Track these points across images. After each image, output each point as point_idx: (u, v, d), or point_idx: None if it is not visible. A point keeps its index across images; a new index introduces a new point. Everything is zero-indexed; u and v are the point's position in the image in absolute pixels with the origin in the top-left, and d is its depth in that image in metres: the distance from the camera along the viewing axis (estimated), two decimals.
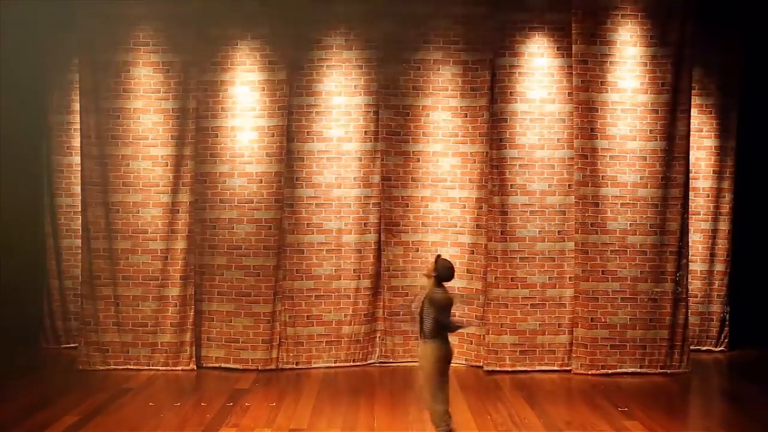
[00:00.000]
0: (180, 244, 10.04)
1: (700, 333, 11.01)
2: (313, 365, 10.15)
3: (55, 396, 8.79)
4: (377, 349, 10.39)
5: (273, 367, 10.08)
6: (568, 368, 10.14)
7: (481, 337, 10.16)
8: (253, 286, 10.13)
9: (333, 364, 10.16)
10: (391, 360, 10.27)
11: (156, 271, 10.04)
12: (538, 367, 10.13)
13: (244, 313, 10.12)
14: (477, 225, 10.23)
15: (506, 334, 10.16)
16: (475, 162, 10.24)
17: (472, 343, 10.25)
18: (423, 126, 10.27)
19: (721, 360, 10.81)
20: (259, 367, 10.05)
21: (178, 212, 10.05)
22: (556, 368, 10.14)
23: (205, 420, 8.04)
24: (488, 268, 10.09)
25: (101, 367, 9.96)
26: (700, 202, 10.93)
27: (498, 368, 10.03)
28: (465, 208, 10.25)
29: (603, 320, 9.97)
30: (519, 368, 10.08)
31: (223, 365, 10.14)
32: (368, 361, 10.35)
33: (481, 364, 10.14)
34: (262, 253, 10.09)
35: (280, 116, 10.17)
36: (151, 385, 9.44)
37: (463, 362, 10.21)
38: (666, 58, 9.97)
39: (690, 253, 10.55)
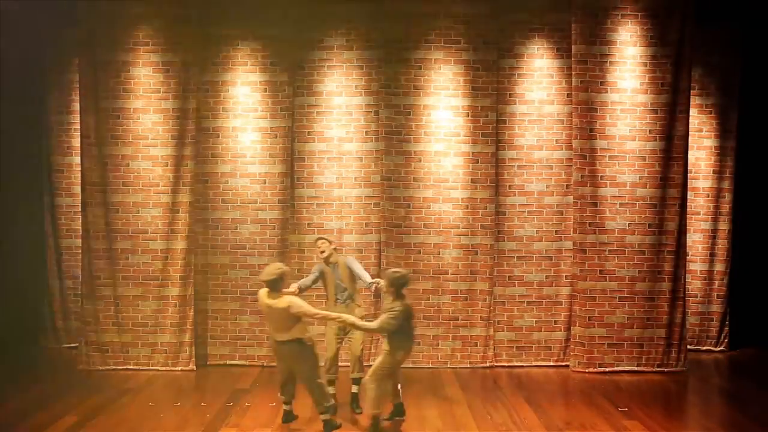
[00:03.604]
0: (180, 244, 10.06)
1: (700, 333, 11.04)
2: None
3: (55, 396, 8.79)
4: (377, 349, 10.40)
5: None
6: (563, 364, 10.28)
7: (487, 336, 10.31)
8: (259, 284, 10.12)
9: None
10: None
11: (156, 271, 10.05)
12: (534, 363, 10.28)
13: (250, 311, 10.21)
14: (481, 225, 10.25)
15: (503, 330, 10.30)
16: (477, 162, 10.26)
17: (476, 345, 10.29)
18: (424, 126, 10.27)
19: (720, 360, 10.83)
20: (264, 364, 10.13)
21: (178, 212, 10.06)
22: (551, 364, 10.30)
23: (205, 420, 8.05)
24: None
25: (101, 367, 9.97)
26: (699, 202, 10.95)
27: (495, 363, 10.22)
28: (467, 208, 10.25)
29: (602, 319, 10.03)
30: (515, 363, 10.27)
31: (228, 362, 10.19)
32: (368, 362, 10.34)
33: (479, 360, 10.27)
34: (267, 252, 10.15)
35: (283, 117, 10.21)
36: (151, 385, 9.45)
37: (462, 360, 10.27)
38: (665, 58, 9.99)
39: (690, 253, 10.60)
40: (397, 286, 7.51)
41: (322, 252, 8.39)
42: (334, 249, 8.49)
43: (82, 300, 10.18)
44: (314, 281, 8.46)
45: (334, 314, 7.74)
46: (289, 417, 7.99)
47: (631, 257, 10.04)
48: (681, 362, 10.12)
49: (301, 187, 10.35)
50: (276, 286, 7.44)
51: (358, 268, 8.31)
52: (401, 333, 7.53)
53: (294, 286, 8.37)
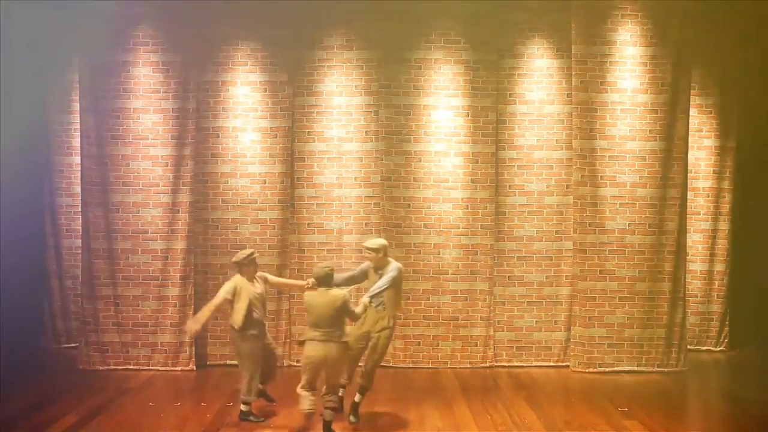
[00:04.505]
0: (180, 244, 10.06)
1: (700, 333, 11.05)
2: None
3: (55, 396, 8.80)
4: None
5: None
6: (563, 364, 10.30)
7: (487, 336, 10.32)
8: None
9: None
10: (391, 363, 10.23)
11: (156, 271, 10.05)
12: (534, 363, 10.30)
13: None
14: (481, 225, 10.25)
15: (503, 330, 10.33)
16: (477, 162, 10.26)
17: (476, 345, 10.29)
18: (424, 126, 10.27)
19: (720, 360, 10.83)
20: None
21: (178, 212, 10.06)
22: (551, 364, 10.31)
23: (205, 420, 8.05)
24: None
25: (101, 367, 9.97)
26: (700, 202, 10.96)
27: (495, 363, 10.25)
28: (467, 208, 10.25)
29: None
30: (515, 363, 10.28)
31: (228, 362, 10.19)
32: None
33: (479, 360, 10.28)
34: (267, 252, 10.12)
35: (283, 117, 10.22)
36: (151, 385, 9.45)
37: (462, 360, 10.28)
38: (665, 58, 9.99)
39: (690, 253, 10.61)
40: (322, 281, 7.44)
41: (369, 260, 8.08)
42: (383, 255, 8.00)
43: (82, 300, 10.18)
44: (348, 280, 8.12)
45: (206, 312, 7.99)
46: (262, 395, 8.28)
47: (631, 257, 10.05)
48: (681, 362, 10.13)
49: (301, 187, 10.35)
50: (238, 269, 8.04)
51: (383, 279, 7.94)
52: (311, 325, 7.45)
53: (311, 281, 8.27)
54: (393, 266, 8.02)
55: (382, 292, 7.92)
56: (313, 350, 7.39)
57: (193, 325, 8.20)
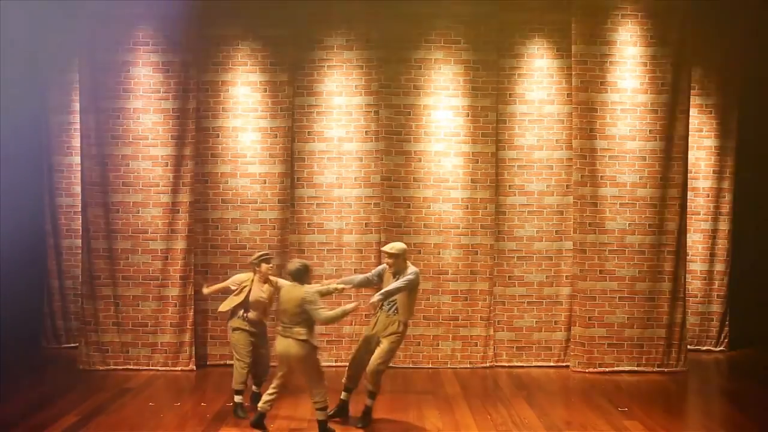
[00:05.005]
0: (180, 244, 10.05)
1: (700, 333, 11.05)
2: None
3: (55, 396, 8.79)
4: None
5: (277, 363, 10.12)
6: (563, 364, 10.31)
7: (487, 336, 10.33)
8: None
9: (333, 363, 10.14)
10: (391, 363, 10.20)
11: (156, 271, 10.05)
12: (534, 363, 10.31)
13: None
14: (481, 225, 10.26)
15: (503, 330, 10.34)
16: (477, 162, 10.26)
17: (476, 345, 10.29)
18: (424, 126, 10.28)
19: (720, 360, 10.84)
20: None
21: (178, 212, 10.06)
22: (552, 364, 10.32)
23: (205, 420, 8.05)
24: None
25: (101, 367, 9.97)
26: (700, 202, 10.96)
27: (495, 363, 10.27)
28: (467, 208, 10.26)
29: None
30: (515, 363, 10.29)
31: (228, 362, 10.16)
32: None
33: (479, 360, 10.28)
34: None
35: (283, 117, 10.22)
36: (151, 385, 9.45)
37: (462, 360, 10.28)
38: (666, 58, 9.99)
39: (690, 253, 10.62)
40: (294, 276, 7.46)
41: (388, 265, 7.96)
42: (403, 261, 7.88)
43: (82, 300, 10.18)
44: (362, 281, 8.13)
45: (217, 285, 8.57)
46: (255, 399, 8.32)
47: (631, 257, 10.05)
48: (681, 362, 10.13)
49: (301, 187, 10.36)
50: (252, 269, 8.29)
51: (399, 281, 7.81)
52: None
53: (327, 282, 8.25)
54: (411, 270, 7.91)
55: (395, 293, 7.82)
56: (278, 343, 7.50)
57: (206, 288, 8.66)
